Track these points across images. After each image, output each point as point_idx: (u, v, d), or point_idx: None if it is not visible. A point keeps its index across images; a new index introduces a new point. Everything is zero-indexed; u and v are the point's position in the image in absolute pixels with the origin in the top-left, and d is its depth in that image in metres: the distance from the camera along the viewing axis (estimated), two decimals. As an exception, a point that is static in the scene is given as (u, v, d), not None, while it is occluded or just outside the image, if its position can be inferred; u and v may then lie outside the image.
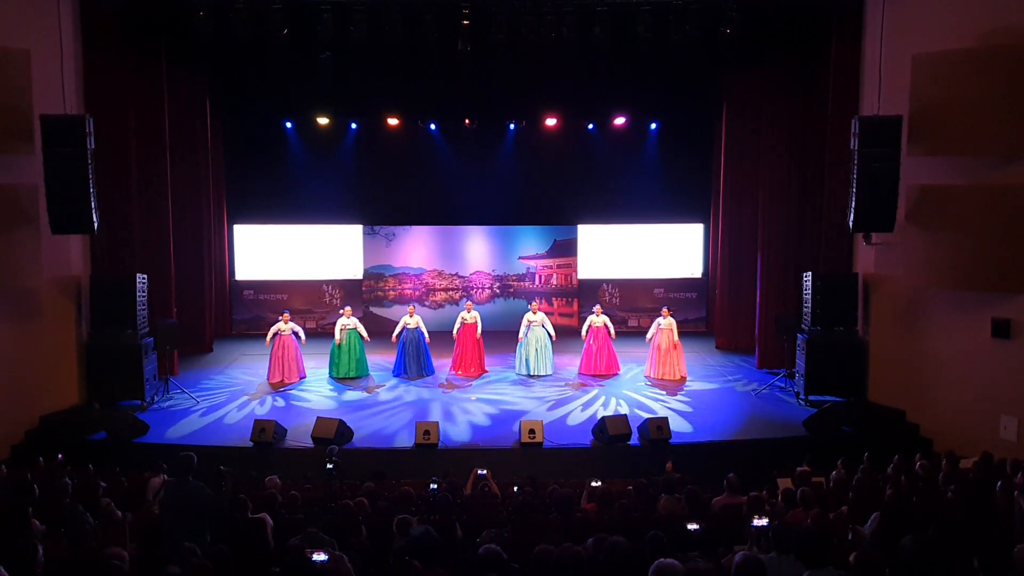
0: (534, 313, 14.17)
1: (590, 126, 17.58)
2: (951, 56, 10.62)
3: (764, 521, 5.23)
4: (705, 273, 18.27)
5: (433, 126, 17.43)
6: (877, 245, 12.09)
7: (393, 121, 16.74)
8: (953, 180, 10.89)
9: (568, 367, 14.50)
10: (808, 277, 12.48)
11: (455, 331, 14.18)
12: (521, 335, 14.12)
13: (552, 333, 14.21)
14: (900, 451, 9.16)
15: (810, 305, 12.36)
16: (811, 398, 12.26)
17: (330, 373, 13.91)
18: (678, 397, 12.80)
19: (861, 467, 8.57)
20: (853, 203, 11.07)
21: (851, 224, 11.31)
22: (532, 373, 13.96)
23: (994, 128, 10.29)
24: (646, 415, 11.33)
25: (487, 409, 12.20)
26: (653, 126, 17.76)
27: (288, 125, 17.34)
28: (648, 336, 14.10)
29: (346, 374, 13.78)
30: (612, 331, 14.15)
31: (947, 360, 11.18)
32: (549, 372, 14.09)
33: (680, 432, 10.97)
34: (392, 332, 14.34)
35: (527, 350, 14.07)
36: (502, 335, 15.68)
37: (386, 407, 12.36)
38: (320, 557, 4.80)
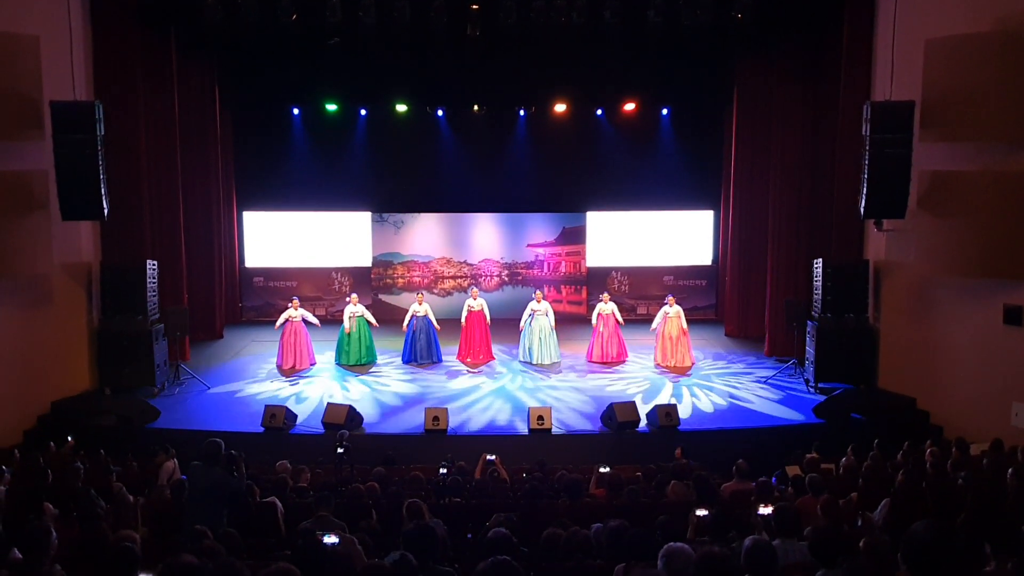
0: (538, 302, 14.13)
1: (599, 112, 17.48)
2: (964, 41, 10.51)
3: (768, 510, 5.24)
4: (715, 260, 18.19)
5: (441, 112, 17.36)
6: (888, 232, 12.02)
7: (402, 108, 16.67)
8: (966, 166, 10.80)
9: (577, 354, 14.49)
10: (819, 264, 12.43)
11: (463, 319, 14.20)
12: (523, 324, 14.10)
13: (551, 323, 14.15)
14: (910, 438, 9.15)
15: (820, 292, 12.31)
16: (821, 385, 12.23)
17: (337, 360, 13.91)
18: (682, 383, 12.81)
19: (871, 454, 8.56)
20: (864, 189, 10.99)
21: (862, 210, 11.24)
22: (535, 361, 13.92)
23: (1007, 114, 10.19)
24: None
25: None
26: (663, 112, 17.62)
27: (297, 112, 17.32)
28: (653, 326, 14.06)
29: (356, 361, 13.81)
30: (620, 318, 14.15)
31: (958, 347, 11.13)
32: (554, 360, 14.04)
33: (690, 419, 10.99)
34: (401, 319, 14.34)
35: (530, 338, 14.04)
36: (510, 323, 15.66)
37: (395, 393, 12.40)
38: (331, 540, 4.82)
